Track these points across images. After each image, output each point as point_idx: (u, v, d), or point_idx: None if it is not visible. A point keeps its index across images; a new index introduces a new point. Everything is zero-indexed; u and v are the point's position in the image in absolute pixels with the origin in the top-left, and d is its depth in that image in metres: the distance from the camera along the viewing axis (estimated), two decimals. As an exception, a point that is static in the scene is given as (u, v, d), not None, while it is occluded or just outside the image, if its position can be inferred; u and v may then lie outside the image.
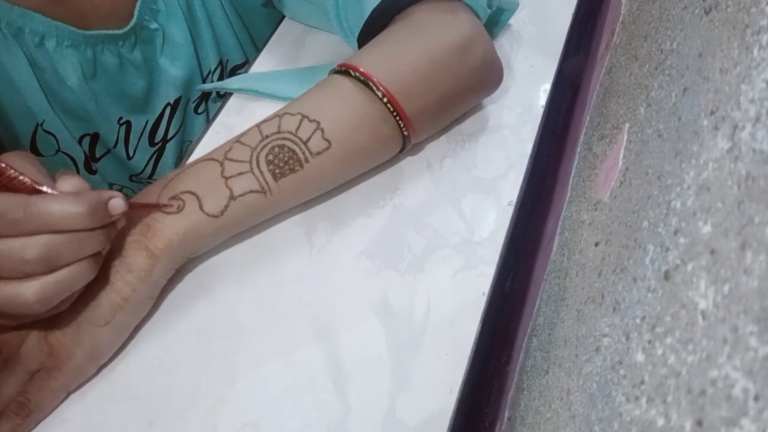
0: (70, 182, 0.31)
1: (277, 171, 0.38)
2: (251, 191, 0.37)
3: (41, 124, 0.51)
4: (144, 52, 0.52)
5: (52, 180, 0.31)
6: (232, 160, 0.38)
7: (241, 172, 0.37)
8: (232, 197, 0.37)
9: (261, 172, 0.37)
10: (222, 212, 0.37)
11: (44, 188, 0.30)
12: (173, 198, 0.37)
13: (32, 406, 0.34)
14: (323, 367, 0.37)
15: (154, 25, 0.51)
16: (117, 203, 0.31)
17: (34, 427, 0.34)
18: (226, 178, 0.37)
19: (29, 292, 0.29)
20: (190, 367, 0.37)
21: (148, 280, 0.35)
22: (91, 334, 0.34)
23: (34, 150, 0.52)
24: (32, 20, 0.45)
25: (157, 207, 0.36)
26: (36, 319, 0.33)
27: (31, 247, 0.29)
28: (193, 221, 0.36)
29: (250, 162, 0.38)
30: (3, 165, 0.29)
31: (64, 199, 0.30)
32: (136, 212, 0.36)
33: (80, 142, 0.55)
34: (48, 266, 0.29)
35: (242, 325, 0.38)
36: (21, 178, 0.29)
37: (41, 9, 0.45)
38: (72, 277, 0.31)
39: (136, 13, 0.49)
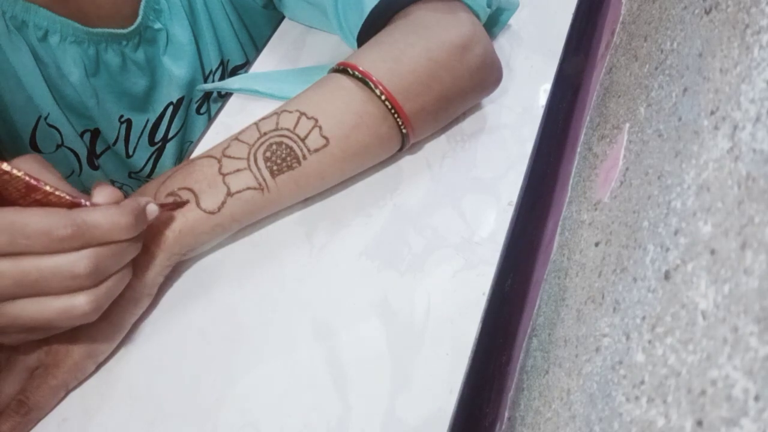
0: (106, 193, 0.31)
1: (274, 168, 0.38)
2: (248, 188, 0.37)
3: (45, 118, 0.51)
4: (147, 52, 0.52)
5: (66, 182, 0.31)
6: (229, 157, 0.38)
7: (239, 169, 0.37)
8: (229, 194, 0.37)
9: (258, 169, 0.37)
10: (219, 209, 0.37)
11: (82, 201, 0.29)
12: (170, 194, 0.37)
13: (31, 404, 0.34)
14: (323, 367, 0.37)
15: (157, 25, 0.51)
16: (152, 208, 0.32)
17: (34, 425, 0.34)
18: (224, 175, 0.37)
19: (85, 302, 0.30)
20: (190, 367, 0.37)
21: (143, 276, 0.35)
22: (88, 331, 0.34)
23: (34, 145, 0.52)
24: (36, 14, 0.45)
25: (180, 205, 0.36)
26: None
27: (80, 262, 0.29)
28: (189, 218, 0.36)
29: (248, 159, 0.38)
30: (37, 182, 0.28)
31: (109, 211, 0.30)
32: (163, 212, 0.36)
33: (81, 136, 0.55)
34: (96, 279, 0.30)
35: (242, 325, 0.38)
36: (57, 193, 0.28)
37: (45, 4, 0.45)
38: (119, 283, 0.32)
39: (140, 12, 0.49)
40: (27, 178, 0.27)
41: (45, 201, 0.28)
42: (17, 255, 0.28)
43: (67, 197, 0.29)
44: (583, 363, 0.30)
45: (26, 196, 0.28)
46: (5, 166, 0.26)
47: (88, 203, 0.30)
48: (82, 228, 0.28)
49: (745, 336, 0.17)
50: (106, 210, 0.29)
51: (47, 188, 0.28)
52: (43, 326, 0.30)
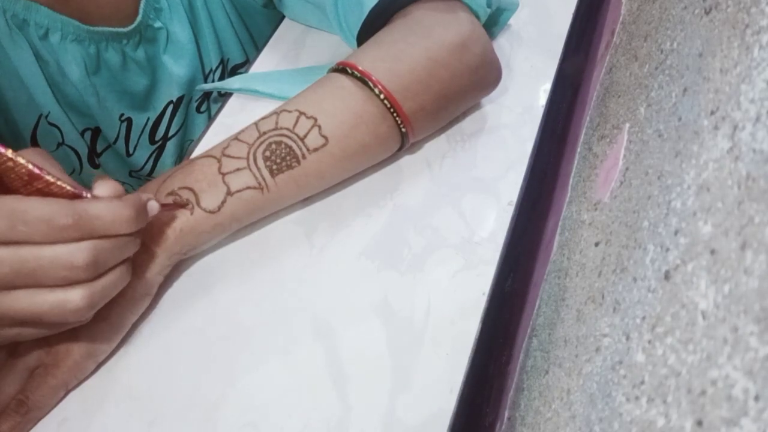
0: (108, 186, 0.31)
1: (274, 167, 0.38)
2: (248, 187, 0.37)
3: (46, 116, 0.51)
4: (147, 51, 0.52)
5: (69, 176, 0.31)
6: (229, 156, 0.38)
7: (239, 169, 0.37)
8: (229, 193, 0.37)
9: (258, 168, 0.38)
10: (219, 208, 0.37)
11: (84, 193, 0.29)
12: (170, 194, 0.37)
13: (31, 403, 0.34)
14: (323, 367, 0.37)
15: (158, 24, 0.51)
16: (153, 205, 0.32)
17: (34, 425, 0.34)
18: (223, 175, 0.37)
19: (78, 297, 0.29)
20: (190, 367, 0.37)
21: (143, 276, 0.35)
22: (88, 331, 0.34)
23: (35, 143, 0.53)
24: (37, 13, 0.45)
25: (180, 206, 0.36)
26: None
27: (79, 253, 0.28)
28: (190, 217, 0.36)
29: (248, 158, 0.38)
30: (40, 170, 0.27)
31: (111, 203, 0.29)
32: (163, 212, 0.35)
33: (82, 135, 0.55)
34: (95, 272, 0.29)
35: (242, 325, 0.38)
36: (59, 183, 0.28)
37: (46, 3, 0.45)
38: (115, 280, 0.31)
39: (141, 11, 0.49)
40: (30, 166, 0.27)
41: (47, 190, 0.28)
42: (16, 243, 0.27)
43: (69, 188, 0.29)
44: (583, 363, 0.30)
45: (28, 185, 0.28)
46: (9, 153, 0.26)
47: (89, 195, 0.30)
48: (84, 218, 0.28)
49: (745, 336, 0.17)
50: (108, 202, 0.29)
51: (49, 178, 0.28)
52: (34, 320, 0.30)
